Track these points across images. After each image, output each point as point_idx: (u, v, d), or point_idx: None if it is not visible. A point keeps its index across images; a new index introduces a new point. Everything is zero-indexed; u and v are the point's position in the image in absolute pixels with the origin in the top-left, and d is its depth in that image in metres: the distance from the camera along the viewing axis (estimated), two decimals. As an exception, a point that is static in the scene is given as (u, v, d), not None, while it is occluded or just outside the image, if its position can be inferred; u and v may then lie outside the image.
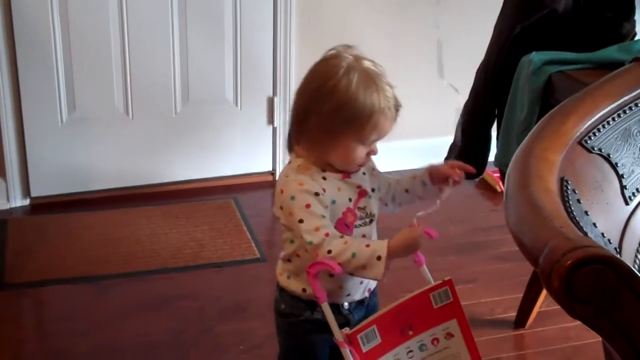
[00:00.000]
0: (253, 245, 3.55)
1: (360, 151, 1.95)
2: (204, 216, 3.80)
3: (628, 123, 1.68)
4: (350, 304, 2.09)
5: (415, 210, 1.99)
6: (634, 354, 1.12)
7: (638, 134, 1.69)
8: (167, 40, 3.87)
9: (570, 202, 1.36)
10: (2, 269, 3.34)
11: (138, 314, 3.09)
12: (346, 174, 2.00)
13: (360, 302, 2.12)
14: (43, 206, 3.89)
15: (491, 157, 3.01)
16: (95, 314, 3.09)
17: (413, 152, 4.04)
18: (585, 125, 1.58)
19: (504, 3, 2.92)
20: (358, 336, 1.91)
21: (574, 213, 1.34)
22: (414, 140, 4.13)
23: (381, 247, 1.89)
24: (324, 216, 1.92)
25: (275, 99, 4.08)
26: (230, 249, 3.52)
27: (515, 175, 1.40)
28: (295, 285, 2.07)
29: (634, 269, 1.12)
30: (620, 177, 1.61)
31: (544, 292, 2.92)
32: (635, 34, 2.90)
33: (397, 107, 1.95)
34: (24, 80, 3.71)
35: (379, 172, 2.12)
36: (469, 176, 3.16)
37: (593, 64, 2.64)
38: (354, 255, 1.88)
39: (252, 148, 4.13)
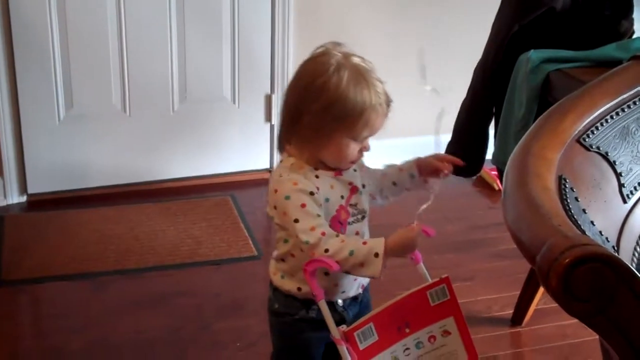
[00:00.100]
0: (250, 242, 3.54)
1: (353, 148, 1.95)
2: (201, 213, 3.80)
3: (626, 121, 1.68)
4: (344, 300, 2.09)
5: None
6: (632, 352, 1.12)
7: (636, 132, 1.68)
8: (165, 38, 3.86)
9: (569, 200, 1.36)
10: (-1, 265, 3.34)
11: (135, 311, 3.08)
12: (338, 171, 2.00)
13: (354, 298, 2.12)
14: (40, 203, 3.88)
15: (489, 155, 3.01)
16: (92, 310, 3.09)
17: (413, 151, 4.04)
18: (584, 124, 1.58)
19: (502, 1, 2.91)
20: (355, 334, 1.92)
21: (572, 211, 1.33)
22: (415, 138, 4.12)
23: (378, 244, 1.90)
24: (319, 215, 1.93)
25: (273, 97, 4.08)
26: (228, 247, 3.52)
27: (513, 173, 1.40)
28: (289, 285, 2.06)
29: (631, 267, 1.12)
30: (618, 175, 1.61)
31: (541, 289, 2.92)
32: (633, 32, 2.90)
33: (388, 102, 1.95)
34: (21, 78, 3.71)
35: (367, 167, 2.13)
36: (467, 174, 3.19)
37: (591, 62, 2.64)
38: (351, 253, 1.88)
39: (250, 145, 4.13)
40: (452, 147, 3.07)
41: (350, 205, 2.02)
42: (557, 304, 1.12)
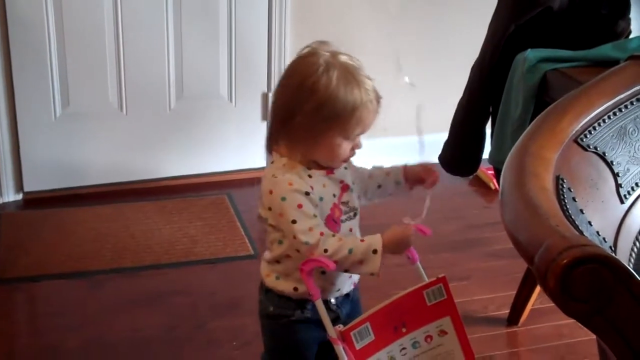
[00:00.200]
0: (246, 241, 3.54)
1: (345, 146, 1.96)
2: (197, 212, 3.80)
3: (623, 121, 1.68)
4: (337, 298, 2.10)
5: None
6: (629, 353, 1.12)
7: (633, 133, 1.68)
8: (161, 36, 3.86)
9: (566, 201, 1.36)
10: (-5, 263, 3.34)
11: (131, 309, 3.08)
12: (330, 170, 2.01)
13: (346, 295, 2.13)
14: (36, 201, 3.88)
15: (485, 155, 3.01)
16: (88, 309, 3.09)
17: (416, 148, 4.06)
18: (581, 124, 1.58)
19: (499, 0, 2.91)
20: (351, 333, 1.92)
21: (570, 211, 1.33)
22: (415, 137, 4.13)
23: (376, 240, 1.91)
24: (315, 215, 1.93)
25: (270, 95, 4.08)
26: (224, 245, 3.52)
27: (511, 173, 1.39)
28: (285, 286, 2.06)
29: (629, 268, 1.12)
30: (615, 175, 1.61)
31: (537, 289, 2.92)
32: (630, 32, 2.90)
33: (377, 99, 1.96)
34: (18, 75, 3.70)
35: (355, 166, 2.13)
36: (463, 173, 3.19)
37: (588, 61, 2.64)
38: (350, 251, 1.89)
39: (247, 144, 4.13)
40: (448, 147, 3.07)
41: (342, 203, 2.02)
42: (553, 304, 1.12)
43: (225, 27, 3.95)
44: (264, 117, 4.12)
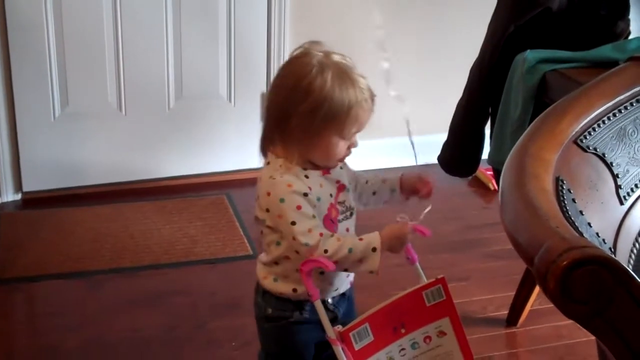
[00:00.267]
0: (246, 241, 3.55)
1: (342, 146, 1.97)
2: (196, 212, 3.80)
3: (623, 122, 1.68)
4: (334, 298, 2.10)
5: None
6: (629, 354, 1.12)
7: (633, 134, 1.68)
8: (160, 36, 3.86)
9: (566, 202, 1.36)
10: (-6, 263, 3.34)
11: (130, 310, 3.08)
12: (326, 170, 2.01)
13: (342, 295, 2.13)
14: (35, 201, 3.88)
15: (484, 155, 3.01)
16: (87, 309, 3.09)
17: (417, 148, 4.06)
18: (581, 125, 1.58)
19: (498, 1, 2.91)
20: (350, 334, 1.92)
21: (569, 213, 1.33)
22: (418, 137, 4.13)
23: (375, 238, 1.92)
24: (314, 216, 1.94)
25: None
26: (223, 245, 3.52)
27: (510, 174, 1.39)
28: (284, 287, 2.06)
29: (629, 270, 1.12)
30: (615, 176, 1.61)
31: (536, 290, 2.92)
32: (629, 33, 2.90)
33: (372, 97, 1.97)
34: (17, 75, 3.70)
35: (352, 170, 2.14)
36: (462, 173, 3.19)
37: (587, 62, 2.64)
38: (350, 250, 1.90)
39: (246, 144, 4.12)
40: (447, 147, 3.07)
41: (339, 202, 2.03)
42: (552, 305, 1.12)
43: (224, 27, 3.95)
44: (263, 117, 4.11)
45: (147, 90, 3.93)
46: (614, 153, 1.63)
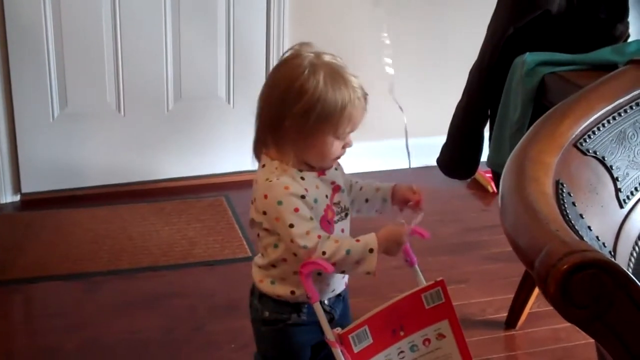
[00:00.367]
0: (244, 243, 3.54)
1: (337, 145, 1.97)
2: (195, 214, 3.80)
3: (623, 126, 1.68)
4: (330, 299, 2.10)
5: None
6: (629, 358, 1.12)
7: (633, 137, 1.68)
8: (159, 37, 3.86)
9: (566, 205, 1.36)
10: (-7, 265, 3.33)
11: (128, 311, 3.08)
12: (321, 171, 2.01)
13: (338, 295, 2.13)
14: (34, 202, 3.87)
15: (483, 158, 3.01)
16: (85, 310, 3.09)
17: (416, 151, 4.05)
18: (581, 128, 1.58)
19: (498, 3, 2.91)
20: (349, 336, 1.92)
21: (570, 216, 1.33)
22: (417, 139, 4.13)
23: (371, 239, 1.92)
24: (311, 218, 1.94)
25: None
26: (222, 247, 3.52)
27: (510, 177, 1.39)
28: (282, 290, 2.06)
29: (629, 273, 1.12)
30: (614, 180, 1.61)
31: (535, 293, 2.92)
32: (628, 36, 2.90)
33: (364, 96, 1.97)
34: (15, 76, 3.70)
35: (347, 175, 2.14)
36: (461, 176, 3.19)
37: (586, 65, 2.64)
38: (348, 252, 1.90)
39: (245, 146, 4.06)
40: (446, 149, 3.08)
41: (334, 203, 2.03)
42: (551, 307, 1.12)
43: (223, 28, 3.94)
44: (262, 119, 4.11)
45: (146, 92, 3.93)
46: (613, 156, 1.63)
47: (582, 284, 1.08)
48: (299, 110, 1.91)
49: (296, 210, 1.92)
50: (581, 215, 1.41)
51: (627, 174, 1.65)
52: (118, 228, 3.65)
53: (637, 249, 1.58)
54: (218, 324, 3.01)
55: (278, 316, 2.08)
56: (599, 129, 1.63)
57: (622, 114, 1.69)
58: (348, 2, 4.05)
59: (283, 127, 1.94)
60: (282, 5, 3.95)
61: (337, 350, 1.91)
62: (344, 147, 2.00)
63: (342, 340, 1.91)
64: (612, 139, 1.65)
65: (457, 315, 2.04)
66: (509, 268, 3.30)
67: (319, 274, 1.99)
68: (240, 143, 4.12)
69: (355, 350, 1.92)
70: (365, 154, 3.87)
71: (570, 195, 1.41)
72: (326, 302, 2.08)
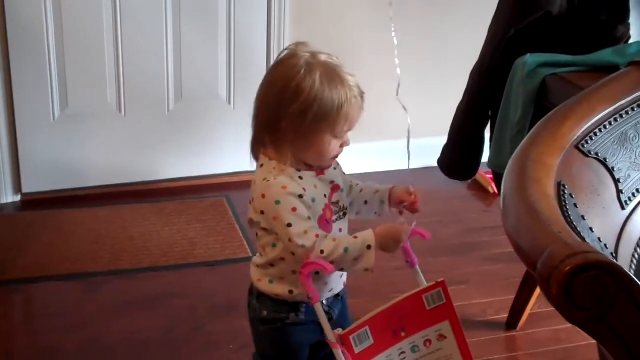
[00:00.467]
0: (245, 244, 3.54)
1: (334, 144, 1.98)
2: (196, 214, 3.80)
3: (624, 127, 1.68)
4: (328, 299, 2.10)
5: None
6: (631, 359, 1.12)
7: (634, 139, 1.68)
8: (160, 37, 3.86)
9: (568, 207, 1.36)
10: (-7, 265, 3.33)
11: (128, 312, 3.08)
12: (320, 170, 2.02)
13: (336, 295, 2.13)
14: (34, 202, 3.87)
15: (484, 159, 3.01)
16: (86, 310, 3.09)
17: (417, 151, 4.05)
18: (582, 129, 1.58)
19: (499, 4, 2.92)
20: (350, 337, 1.92)
21: (571, 218, 1.33)
22: (416, 140, 4.13)
23: (369, 236, 1.93)
24: (309, 217, 1.94)
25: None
26: (222, 248, 3.52)
27: (512, 178, 1.39)
28: (280, 289, 2.06)
29: (631, 275, 1.12)
30: (616, 181, 1.61)
31: (536, 293, 2.92)
32: (629, 37, 2.91)
33: (361, 94, 1.98)
34: (16, 76, 3.70)
35: (346, 176, 2.14)
36: (462, 177, 3.19)
37: (587, 66, 2.64)
38: (346, 250, 1.90)
39: (245, 146, 4.02)
40: (447, 151, 3.08)
41: (333, 203, 2.04)
42: (552, 308, 1.12)
43: (224, 29, 3.95)
44: (263, 120, 4.11)
45: (147, 92, 3.93)
46: (615, 158, 1.63)
47: (585, 285, 1.08)
48: (295, 110, 1.91)
49: (294, 209, 1.92)
50: (583, 217, 1.41)
51: (629, 175, 1.65)
52: (119, 228, 3.65)
53: (639, 250, 1.58)
54: (218, 324, 3.01)
55: (276, 315, 2.08)
56: (600, 130, 1.63)
57: (624, 116, 1.69)
58: (348, 2, 4.05)
59: (280, 127, 1.94)
60: (282, 6, 3.95)
61: (338, 351, 1.91)
62: (341, 146, 2.00)
63: (343, 341, 1.91)
64: (614, 141, 1.65)
65: (458, 316, 2.04)
66: (510, 269, 3.30)
67: (316, 272, 1.99)
68: (240, 143, 4.11)
69: (356, 351, 1.92)
70: (365, 154, 3.88)
71: (572, 197, 1.41)
72: (324, 302, 2.08)
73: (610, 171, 1.61)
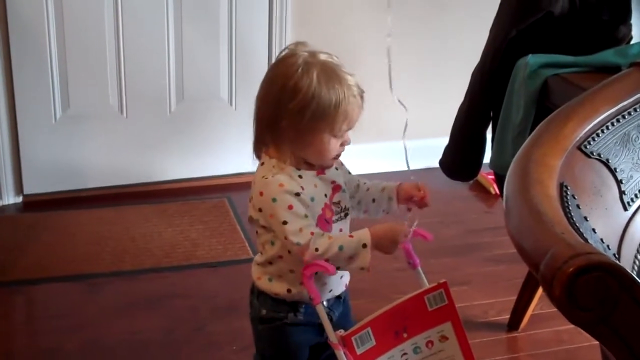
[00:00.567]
0: (247, 245, 3.54)
1: (334, 143, 1.98)
2: (198, 215, 3.80)
3: (627, 128, 1.68)
4: (328, 300, 2.10)
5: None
6: (634, 361, 1.12)
7: (637, 139, 1.68)
8: (162, 38, 3.86)
9: (570, 208, 1.36)
10: (-5, 266, 3.33)
11: (130, 312, 3.08)
12: (321, 170, 2.02)
13: (338, 297, 2.13)
14: (36, 203, 3.87)
15: (486, 159, 3.01)
16: (87, 311, 3.09)
17: (418, 152, 4.04)
18: (585, 130, 1.58)
19: (500, 5, 2.91)
20: (352, 338, 1.91)
21: (574, 219, 1.33)
22: (416, 140, 4.12)
23: (365, 234, 1.93)
24: (306, 215, 1.94)
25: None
26: (224, 249, 3.52)
27: (514, 180, 1.39)
28: (279, 288, 2.06)
29: (634, 276, 1.12)
30: (619, 182, 1.61)
31: (538, 294, 2.92)
32: (631, 38, 2.90)
33: (361, 93, 1.98)
34: (18, 77, 3.70)
35: (348, 170, 2.14)
36: (464, 178, 3.19)
37: (589, 67, 2.64)
38: (341, 248, 1.90)
39: (247, 147, 4.04)
40: (449, 151, 3.07)
41: (334, 203, 2.04)
42: (554, 309, 1.12)
43: (225, 30, 3.95)
44: (264, 121, 4.11)
45: (148, 93, 3.93)
46: (618, 159, 1.63)
47: (588, 286, 1.07)
48: (294, 108, 1.92)
49: (290, 207, 1.92)
50: (585, 218, 1.40)
51: (631, 176, 1.64)
52: (120, 229, 3.65)
53: (641, 251, 1.58)
54: (219, 325, 3.00)
55: (275, 314, 2.09)
56: (602, 131, 1.63)
57: (626, 116, 1.69)
58: (349, 3, 4.05)
59: (280, 126, 1.95)
60: (284, 7, 3.95)
61: (340, 353, 1.91)
62: (342, 145, 2.00)
63: (345, 342, 1.91)
64: (616, 142, 1.65)
65: (460, 317, 2.04)
66: (512, 270, 3.30)
67: (315, 272, 1.99)
68: (242, 144, 4.11)
69: (358, 352, 1.92)
70: (365, 155, 3.87)
71: (574, 198, 1.41)
72: (325, 303, 2.08)
73: (613, 172, 1.61)
